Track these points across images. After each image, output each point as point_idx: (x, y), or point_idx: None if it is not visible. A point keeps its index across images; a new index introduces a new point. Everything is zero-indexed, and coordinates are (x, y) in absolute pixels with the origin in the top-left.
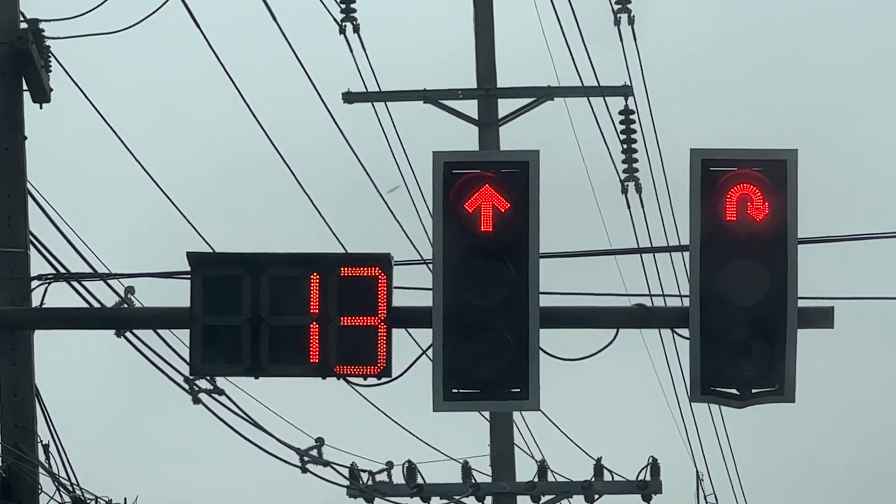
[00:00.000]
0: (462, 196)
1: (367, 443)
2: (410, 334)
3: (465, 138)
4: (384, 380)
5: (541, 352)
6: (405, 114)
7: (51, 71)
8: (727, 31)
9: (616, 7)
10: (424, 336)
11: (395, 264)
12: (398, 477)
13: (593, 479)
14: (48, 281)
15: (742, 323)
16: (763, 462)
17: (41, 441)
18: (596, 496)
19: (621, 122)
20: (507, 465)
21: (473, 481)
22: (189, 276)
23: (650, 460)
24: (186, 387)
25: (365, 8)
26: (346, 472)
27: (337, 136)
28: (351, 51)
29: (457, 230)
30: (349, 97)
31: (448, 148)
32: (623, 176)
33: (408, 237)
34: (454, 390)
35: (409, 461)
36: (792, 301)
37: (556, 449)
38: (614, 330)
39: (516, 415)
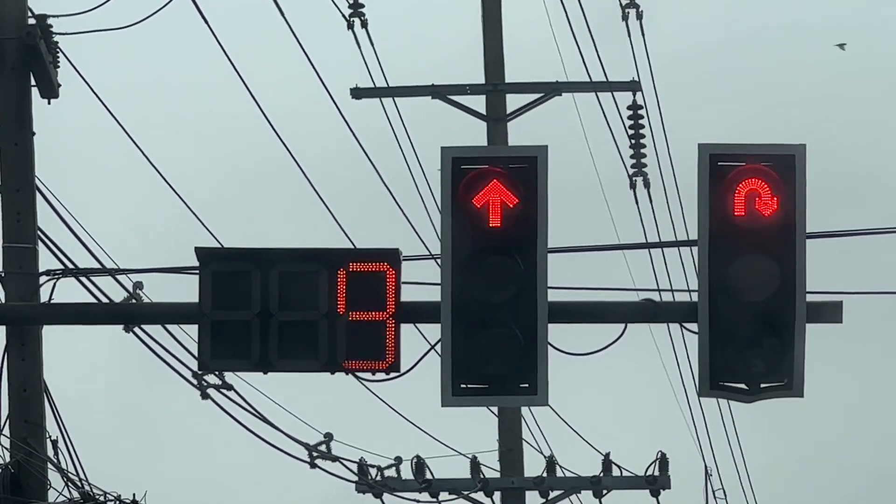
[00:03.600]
0: (470, 191)
1: (375, 438)
2: (419, 329)
3: (474, 133)
4: (393, 375)
5: (549, 347)
6: (413, 109)
7: (59, 66)
8: (735, 25)
9: (624, 2)
10: (433, 331)
11: (404, 259)
12: (407, 472)
13: (602, 475)
14: (57, 276)
15: (751, 318)
16: (772, 457)
17: (50, 436)
18: (604, 491)
19: (629, 118)
20: (515, 461)
21: (482, 476)
22: (198, 271)
23: (659, 455)
24: (195, 382)
25: (373, 3)
26: (354, 467)
27: (345, 131)
28: (359, 46)
29: (465, 225)
30: (357, 93)
31: (456, 143)
32: (631, 171)
33: (416, 232)
34: (462, 385)
35: (417, 456)
36: (800, 296)
37: (565, 444)
38: (623, 325)
39: (525, 410)
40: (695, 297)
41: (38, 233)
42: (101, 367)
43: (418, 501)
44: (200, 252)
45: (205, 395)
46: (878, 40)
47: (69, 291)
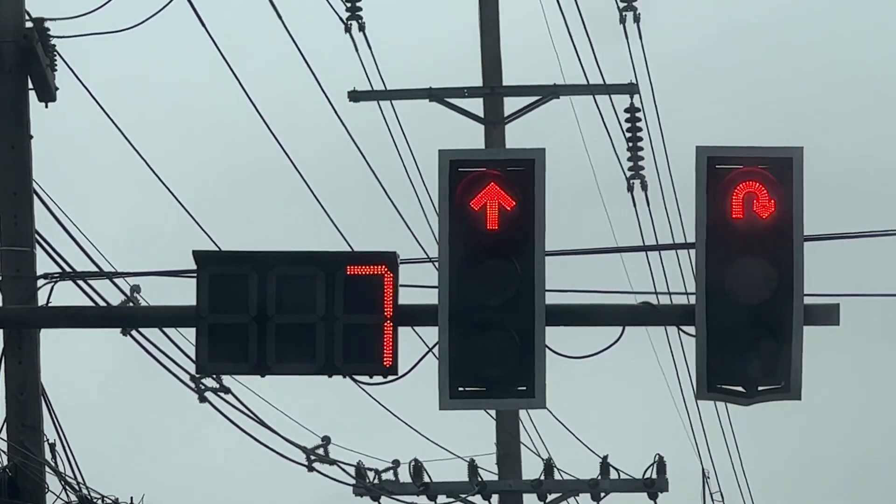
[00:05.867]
0: (468, 194)
1: (373, 441)
2: (416, 332)
3: (471, 136)
4: (390, 378)
5: (547, 349)
6: (411, 112)
7: (56, 70)
8: (732, 28)
9: (622, 5)
10: (430, 334)
11: (401, 262)
12: (404, 475)
13: (599, 478)
14: (54, 280)
15: (748, 320)
16: (769, 459)
17: (47, 440)
18: (602, 494)
19: (627, 120)
20: (513, 464)
21: (480, 480)
22: (195, 274)
23: (656, 458)
24: (193, 385)
25: (370, 6)
26: (352, 470)
27: (343, 134)
28: (356, 49)
29: (463, 228)
30: (355, 96)
31: (454, 146)
32: (629, 174)
33: (413, 235)
34: (460, 388)
35: (415, 459)
36: (798, 298)
37: (563, 447)
38: (620, 327)
39: (522, 413)
40: (692, 299)
41: (36, 236)
42: (98, 371)
43: None
44: (198, 255)
45: (202, 399)
46: (876, 41)
47: (67, 295)
